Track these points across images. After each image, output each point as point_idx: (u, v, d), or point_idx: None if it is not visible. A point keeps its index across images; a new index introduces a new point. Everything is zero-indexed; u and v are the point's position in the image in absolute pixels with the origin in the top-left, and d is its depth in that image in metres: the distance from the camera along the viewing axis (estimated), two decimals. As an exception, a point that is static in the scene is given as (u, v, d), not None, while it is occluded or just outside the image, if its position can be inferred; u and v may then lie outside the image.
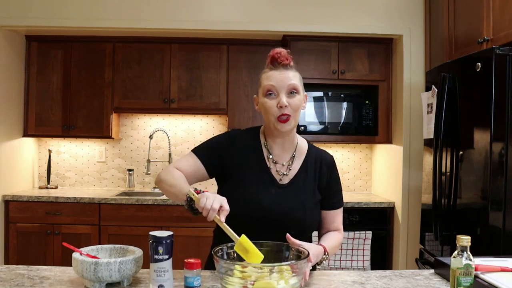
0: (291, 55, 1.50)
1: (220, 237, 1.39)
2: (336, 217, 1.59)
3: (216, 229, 1.47)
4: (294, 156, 1.55)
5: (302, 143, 1.59)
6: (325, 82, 3.65)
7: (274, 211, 1.46)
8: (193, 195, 1.31)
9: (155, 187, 4.08)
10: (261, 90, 1.48)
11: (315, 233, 1.61)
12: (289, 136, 1.53)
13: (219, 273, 1.14)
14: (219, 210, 1.26)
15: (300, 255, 1.24)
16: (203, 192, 1.32)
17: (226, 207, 1.27)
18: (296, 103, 1.45)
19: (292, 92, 1.45)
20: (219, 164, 1.53)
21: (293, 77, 1.46)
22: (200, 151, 1.55)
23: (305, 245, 1.32)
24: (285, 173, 1.53)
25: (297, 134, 1.59)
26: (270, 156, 1.53)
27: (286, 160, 1.54)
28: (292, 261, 1.22)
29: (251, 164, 1.52)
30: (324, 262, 1.46)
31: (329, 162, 1.60)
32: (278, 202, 1.48)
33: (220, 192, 1.54)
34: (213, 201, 1.25)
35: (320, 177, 1.56)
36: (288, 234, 1.32)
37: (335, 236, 1.57)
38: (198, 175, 1.53)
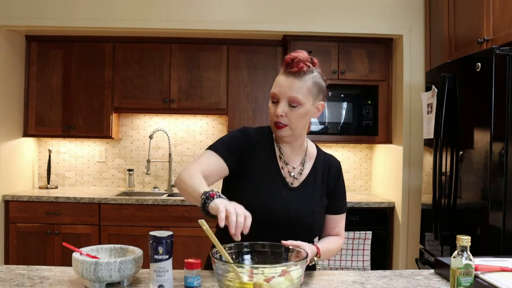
0: (310, 58, 1.44)
1: (220, 238, 1.39)
2: (338, 222, 1.59)
3: (217, 230, 1.47)
4: (304, 161, 1.55)
5: (311, 147, 1.59)
6: (325, 82, 3.65)
7: (284, 215, 1.45)
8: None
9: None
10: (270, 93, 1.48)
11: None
12: (296, 141, 1.51)
13: (216, 274, 1.14)
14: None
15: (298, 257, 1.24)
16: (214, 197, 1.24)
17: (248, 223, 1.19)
18: (294, 115, 1.42)
19: (292, 104, 1.41)
20: (238, 161, 1.48)
21: (298, 89, 1.40)
22: (221, 149, 1.47)
23: (302, 245, 1.32)
24: (296, 176, 1.52)
25: (307, 139, 1.58)
26: (282, 156, 1.52)
27: (296, 163, 1.54)
28: (291, 262, 1.22)
29: (263, 163, 1.50)
30: (315, 263, 1.46)
31: (337, 167, 1.60)
32: (289, 205, 1.47)
33: (228, 189, 1.52)
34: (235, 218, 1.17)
35: (328, 181, 1.56)
36: (283, 241, 1.29)
37: (333, 241, 1.56)
38: (220, 173, 1.46)
